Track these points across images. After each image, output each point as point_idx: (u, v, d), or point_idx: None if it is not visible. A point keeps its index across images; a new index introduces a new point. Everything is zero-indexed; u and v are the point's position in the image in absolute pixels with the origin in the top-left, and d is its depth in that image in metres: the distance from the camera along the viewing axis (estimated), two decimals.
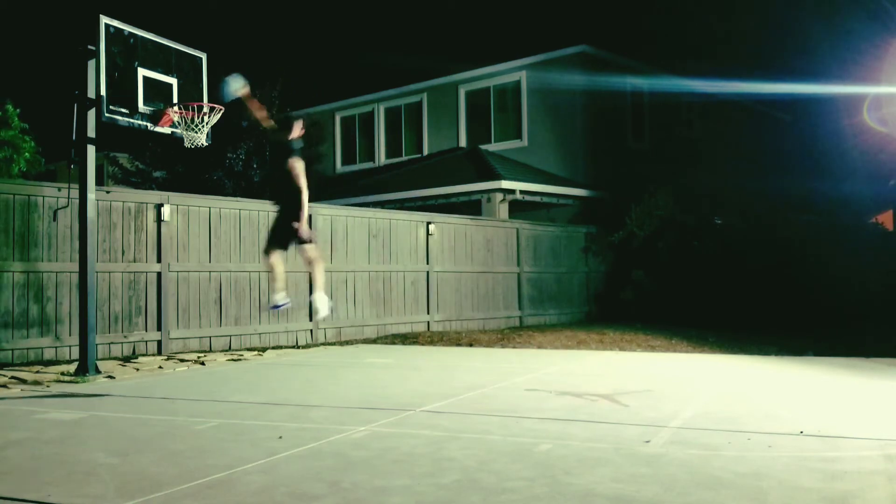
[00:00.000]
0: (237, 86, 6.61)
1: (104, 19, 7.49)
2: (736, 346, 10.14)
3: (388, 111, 22.16)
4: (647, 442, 4.40)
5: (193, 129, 8.12)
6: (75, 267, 8.44)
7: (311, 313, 6.69)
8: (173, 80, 8.22)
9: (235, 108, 15.19)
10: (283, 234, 6.53)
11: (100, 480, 3.69)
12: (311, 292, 6.86)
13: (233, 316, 10.27)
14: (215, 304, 10.09)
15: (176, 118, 8.07)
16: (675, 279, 14.77)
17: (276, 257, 6.61)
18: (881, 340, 10.19)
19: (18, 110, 8.84)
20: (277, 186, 6.67)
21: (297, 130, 6.51)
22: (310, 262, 6.67)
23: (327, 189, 20.09)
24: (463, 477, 3.69)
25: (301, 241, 6.51)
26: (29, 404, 5.97)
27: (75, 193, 8.05)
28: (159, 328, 9.50)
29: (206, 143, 8.30)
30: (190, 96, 8.32)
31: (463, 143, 20.20)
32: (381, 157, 22.14)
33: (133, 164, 18.18)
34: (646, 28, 25.77)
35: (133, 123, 7.80)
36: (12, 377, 7.35)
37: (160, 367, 8.25)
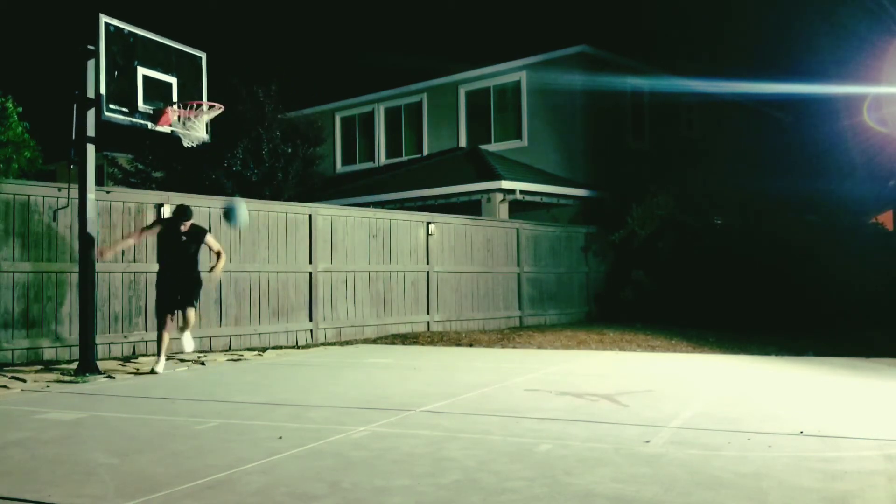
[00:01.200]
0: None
1: (104, 18, 7.49)
2: (736, 346, 10.14)
3: (388, 111, 22.16)
4: (648, 442, 4.40)
5: (193, 129, 8.13)
6: (75, 267, 8.44)
7: (183, 347, 8.27)
8: (173, 80, 8.23)
9: (233, 108, 15.09)
10: (177, 300, 8.07)
11: (100, 480, 3.69)
12: (182, 332, 8.21)
13: (233, 316, 10.27)
14: (215, 304, 10.09)
15: (175, 117, 8.07)
16: (676, 279, 14.76)
17: (169, 322, 8.08)
18: (881, 340, 10.19)
19: (20, 108, 8.80)
20: (183, 263, 8.12)
21: (187, 223, 8.04)
22: (188, 321, 8.16)
23: (327, 189, 20.08)
24: (463, 477, 3.69)
25: (193, 303, 8.21)
26: (29, 404, 5.97)
27: (75, 193, 8.05)
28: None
29: (207, 140, 8.32)
30: (190, 95, 8.33)
31: (463, 143, 20.20)
32: (381, 157, 22.14)
33: (133, 165, 18.17)
34: (646, 28, 25.77)
35: (133, 122, 7.80)
36: (12, 377, 7.35)
37: None
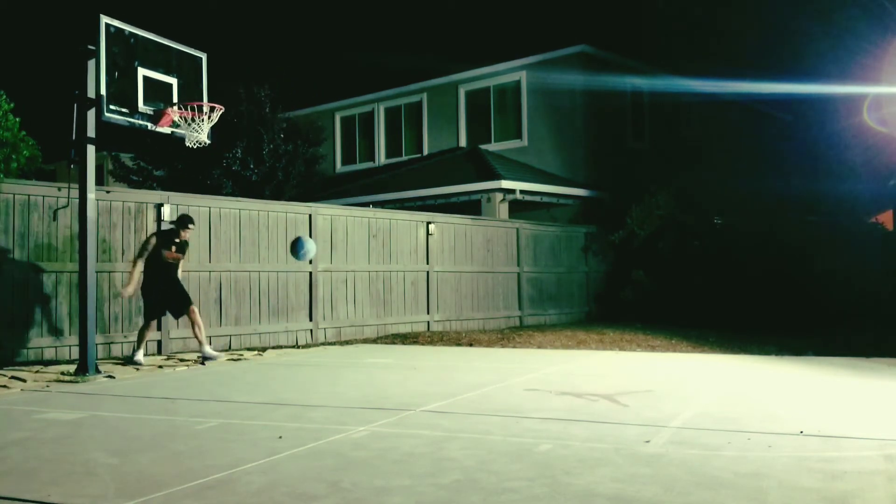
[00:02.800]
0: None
1: (104, 19, 7.49)
2: (736, 346, 10.14)
3: (388, 111, 22.16)
4: (648, 442, 4.40)
5: (193, 130, 8.14)
6: (75, 267, 8.44)
7: (205, 359, 8.78)
8: (173, 80, 8.23)
9: (232, 108, 15.08)
10: (169, 305, 8.79)
11: (100, 480, 3.69)
12: (202, 347, 8.86)
13: (233, 316, 10.27)
14: (215, 303, 10.09)
15: (176, 118, 8.08)
16: (676, 279, 14.76)
17: (154, 324, 8.88)
18: (881, 340, 10.19)
19: (12, 104, 8.79)
20: (173, 270, 8.79)
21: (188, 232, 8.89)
22: (198, 322, 8.79)
23: (327, 189, 20.09)
24: (463, 477, 3.69)
25: (191, 301, 8.88)
26: (29, 404, 5.97)
27: (75, 193, 8.05)
28: (159, 328, 9.49)
29: (208, 142, 8.36)
30: (190, 96, 8.33)
31: (463, 143, 20.20)
32: (381, 157, 22.15)
33: (135, 163, 18.18)
34: (646, 28, 25.75)
35: (133, 123, 7.80)
36: (12, 377, 7.35)
37: (160, 367, 8.25)
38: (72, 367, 7.85)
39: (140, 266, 8.54)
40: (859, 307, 13.03)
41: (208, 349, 8.87)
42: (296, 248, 7.87)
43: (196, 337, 8.84)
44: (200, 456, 4.16)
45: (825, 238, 14.28)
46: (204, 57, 8.64)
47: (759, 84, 20.25)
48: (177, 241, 8.73)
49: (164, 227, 9.60)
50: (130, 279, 8.50)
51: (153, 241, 8.64)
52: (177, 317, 9.01)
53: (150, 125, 7.97)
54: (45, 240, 8.66)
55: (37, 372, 7.75)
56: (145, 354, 8.83)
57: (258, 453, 4.18)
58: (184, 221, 8.80)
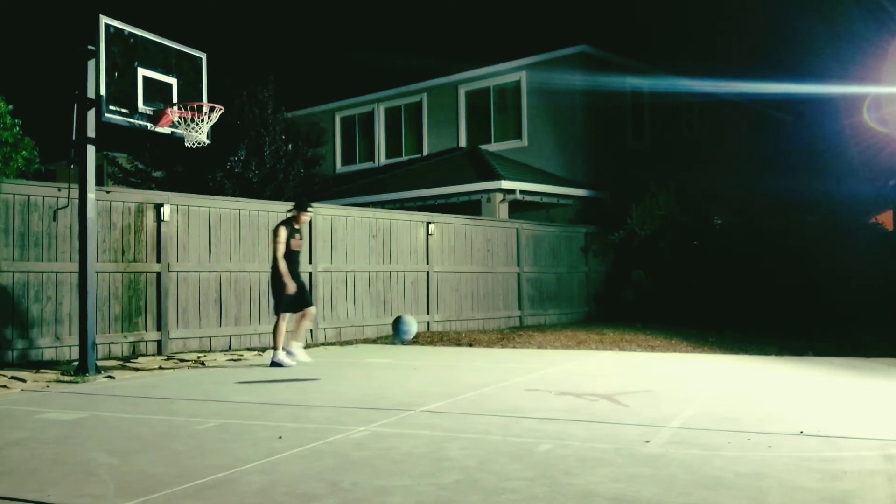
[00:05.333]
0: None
1: (104, 19, 7.50)
2: (736, 346, 10.14)
3: (388, 111, 22.17)
4: (648, 442, 4.40)
5: (193, 130, 8.13)
6: (75, 267, 8.44)
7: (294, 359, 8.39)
8: (173, 80, 8.23)
9: (233, 108, 15.10)
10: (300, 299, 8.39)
11: (100, 480, 3.69)
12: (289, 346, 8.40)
13: (233, 316, 10.27)
14: (215, 304, 10.09)
15: (176, 118, 8.07)
16: (676, 279, 14.77)
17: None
18: (881, 340, 10.20)
19: (11, 107, 8.78)
20: (299, 260, 8.52)
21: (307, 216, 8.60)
22: (309, 318, 8.53)
23: (327, 189, 20.09)
24: (463, 477, 3.69)
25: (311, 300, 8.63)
26: (29, 404, 5.97)
27: (75, 193, 8.05)
28: (159, 328, 9.50)
29: (207, 142, 8.35)
30: (190, 96, 8.33)
31: (463, 143, 20.20)
32: (381, 157, 22.15)
33: (133, 165, 18.16)
34: (646, 28, 25.77)
35: (133, 123, 7.80)
36: (12, 377, 7.35)
37: (160, 367, 8.25)
38: (72, 368, 7.85)
39: (283, 261, 8.14)
40: (859, 307, 13.03)
41: (298, 351, 8.40)
42: (397, 327, 7.60)
43: (297, 332, 8.42)
44: (200, 456, 4.16)
45: (825, 238, 14.28)
46: (204, 57, 8.64)
47: (759, 84, 20.25)
48: (297, 227, 8.42)
49: (166, 221, 9.62)
50: (284, 275, 8.08)
51: (284, 231, 8.24)
52: (299, 310, 8.41)
53: (150, 125, 7.97)
54: (45, 240, 8.66)
55: (37, 372, 7.75)
56: (290, 351, 8.38)
57: (258, 453, 4.18)
58: (302, 206, 8.48)
